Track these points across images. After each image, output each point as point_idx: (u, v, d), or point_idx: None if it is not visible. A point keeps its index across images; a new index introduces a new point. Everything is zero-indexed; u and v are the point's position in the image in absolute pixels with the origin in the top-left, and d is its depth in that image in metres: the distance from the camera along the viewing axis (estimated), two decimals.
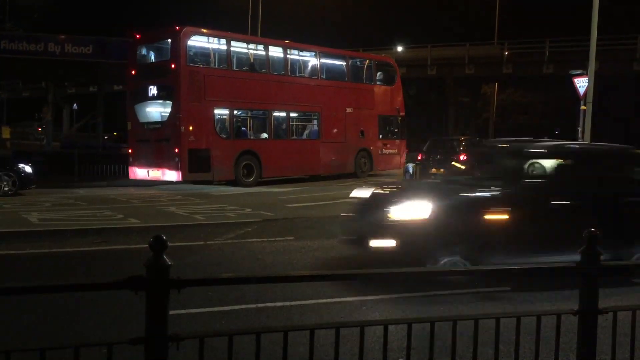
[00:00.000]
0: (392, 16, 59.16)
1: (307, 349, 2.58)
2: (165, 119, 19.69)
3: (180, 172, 18.79)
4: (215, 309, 5.99)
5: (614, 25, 36.27)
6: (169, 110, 19.47)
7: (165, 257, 2.25)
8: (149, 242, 2.27)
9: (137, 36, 20.70)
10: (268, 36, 24.93)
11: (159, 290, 2.23)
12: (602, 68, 28.38)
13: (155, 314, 2.25)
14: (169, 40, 19.61)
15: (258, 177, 20.61)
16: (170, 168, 19.00)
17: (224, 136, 20.17)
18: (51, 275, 7.62)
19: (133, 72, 20.62)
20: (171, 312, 2.31)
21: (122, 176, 21.82)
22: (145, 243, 2.36)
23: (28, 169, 17.05)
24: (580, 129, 19.92)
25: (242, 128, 21.23)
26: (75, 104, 46.70)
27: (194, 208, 14.10)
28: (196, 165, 19.00)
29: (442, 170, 20.27)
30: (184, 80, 18.95)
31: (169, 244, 2.29)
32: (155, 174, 19.64)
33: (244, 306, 6.07)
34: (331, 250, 9.59)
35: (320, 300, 6.33)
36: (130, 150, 20.68)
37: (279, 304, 6.17)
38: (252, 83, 20.93)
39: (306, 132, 23.22)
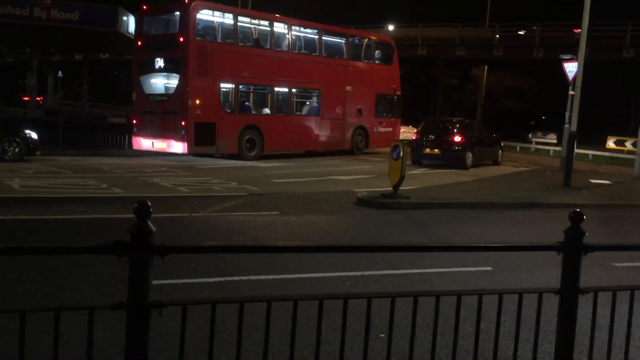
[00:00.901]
0: None
1: (290, 322, 2.58)
2: (171, 91, 19.71)
3: (186, 145, 18.89)
4: (199, 280, 5.99)
5: (605, 11, 36.25)
6: (175, 82, 19.48)
7: (149, 222, 2.23)
8: (133, 208, 2.24)
9: (144, 7, 20.47)
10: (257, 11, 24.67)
11: (142, 256, 2.21)
12: (593, 54, 28.44)
13: (138, 279, 2.23)
14: (178, 13, 19.50)
15: (260, 151, 20.71)
16: (176, 140, 19.08)
17: (229, 110, 20.20)
18: (32, 241, 7.55)
19: (139, 43, 20.49)
20: (154, 282, 2.29)
21: (108, 146, 21.62)
22: (129, 213, 2.32)
23: (34, 135, 16.82)
24: (568, 114, 20.04)
25: (246, 103, 21.26)
26: (60, 72, 45.91)
27: (179, 180, 14.02)
28: (202, 138, 19.11)
29: (436, 150, 20.31)
30: (192, 53, 18.92)
31: (153, 215, 2.26)
32: (160, 145, 19.67)
33: (227, 278, 6.08)
34: (315, 225, 9.62)
35: (303, 275, 6.36)
36: (134, 121, 20.70)
37: (262, 277, 6.18)
38: (257, 58, 20.99)
39: (306, 108, 23.28)
